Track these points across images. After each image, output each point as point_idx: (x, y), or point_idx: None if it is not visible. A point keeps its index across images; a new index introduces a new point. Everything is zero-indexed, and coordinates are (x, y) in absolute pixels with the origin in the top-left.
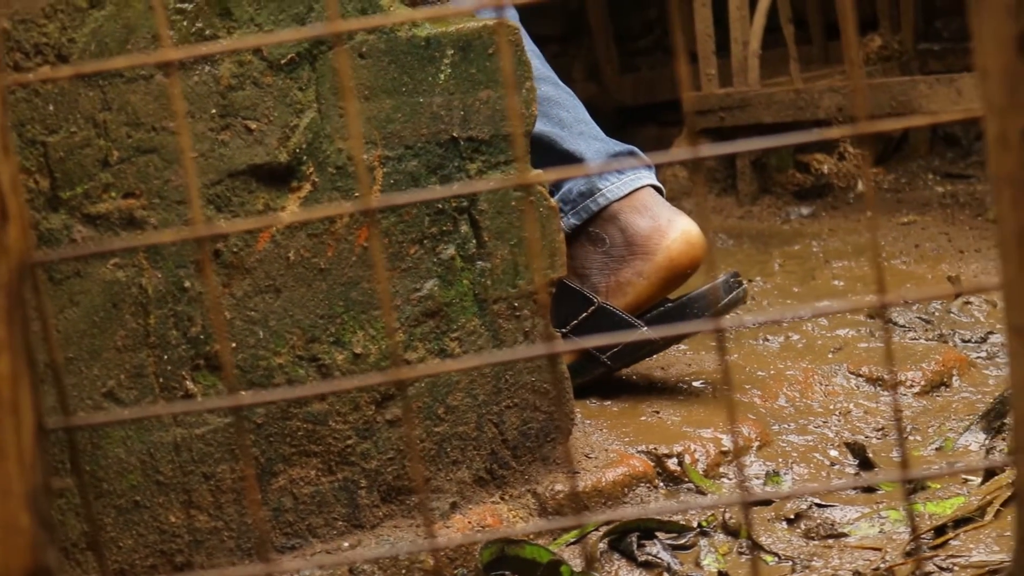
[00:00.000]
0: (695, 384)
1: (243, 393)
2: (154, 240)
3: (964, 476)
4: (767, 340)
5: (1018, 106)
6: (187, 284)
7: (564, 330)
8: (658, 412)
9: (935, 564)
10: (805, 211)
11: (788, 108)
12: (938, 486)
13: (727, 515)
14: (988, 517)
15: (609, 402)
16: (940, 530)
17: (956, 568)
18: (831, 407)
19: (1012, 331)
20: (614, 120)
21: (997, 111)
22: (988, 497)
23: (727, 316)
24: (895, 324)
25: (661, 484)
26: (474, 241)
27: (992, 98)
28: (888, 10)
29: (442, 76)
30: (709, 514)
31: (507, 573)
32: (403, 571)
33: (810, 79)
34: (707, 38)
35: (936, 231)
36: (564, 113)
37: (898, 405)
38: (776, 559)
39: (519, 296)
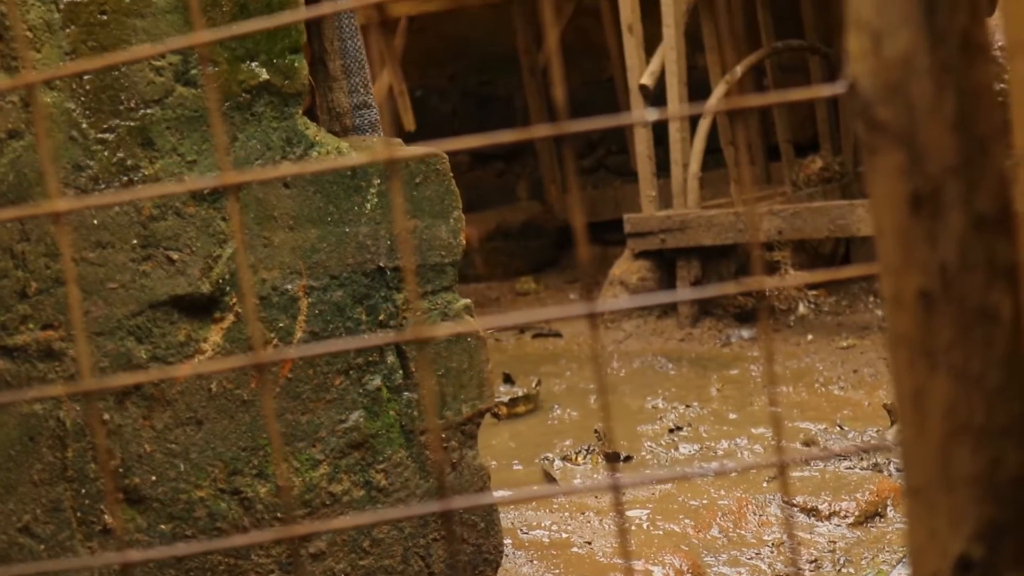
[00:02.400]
0: (628, 513)
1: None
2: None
3: None
4: (701, 466)
5: (912, 266)
6: (106, 417)
7: None
8: (590, 543)
9: None
10: (746, 334)
11: (728, 231)
12: None
13: None
14: None
15: (540, 532)
16: None
17: None
18: (765, 538)
19: (910, 492)
20: (557, 238)
21: (892, 270)
22: None
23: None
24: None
25: None
26: (401, 372)
27: (887, 257)
28: (829, 132)
29: (368, 205)
30: None
31: None
32: None
33: (751, 201)
34: (647, 160)
35: (875, 355)
36: None
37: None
38: None
39: (446, 427)
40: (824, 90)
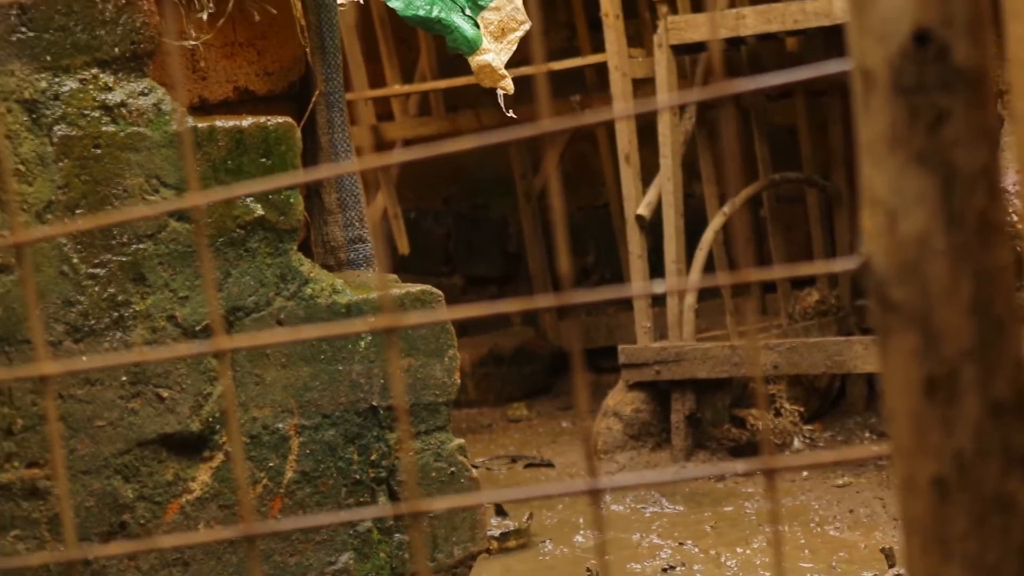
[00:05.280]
0: None
1: None
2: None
3: None
4: None
5: (927, 451)
6: (91, 557)
7: None
8: None
9: None
10: (740, 468)
11: (724, 364)
12: None
13: None
14: None
15: None
16: None
17: None
18: None
19: None
20: (550, 364)
21: (905, 455)
22: None
23: None
24: None
25: None
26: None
27: (900, 441)
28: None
29: (362, 343)
30: None
31: None
32: None
33: (747, 333)
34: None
35: (871, 495)
36: None
37: None
38: None
39: (438, 570)
40: (837, 265)
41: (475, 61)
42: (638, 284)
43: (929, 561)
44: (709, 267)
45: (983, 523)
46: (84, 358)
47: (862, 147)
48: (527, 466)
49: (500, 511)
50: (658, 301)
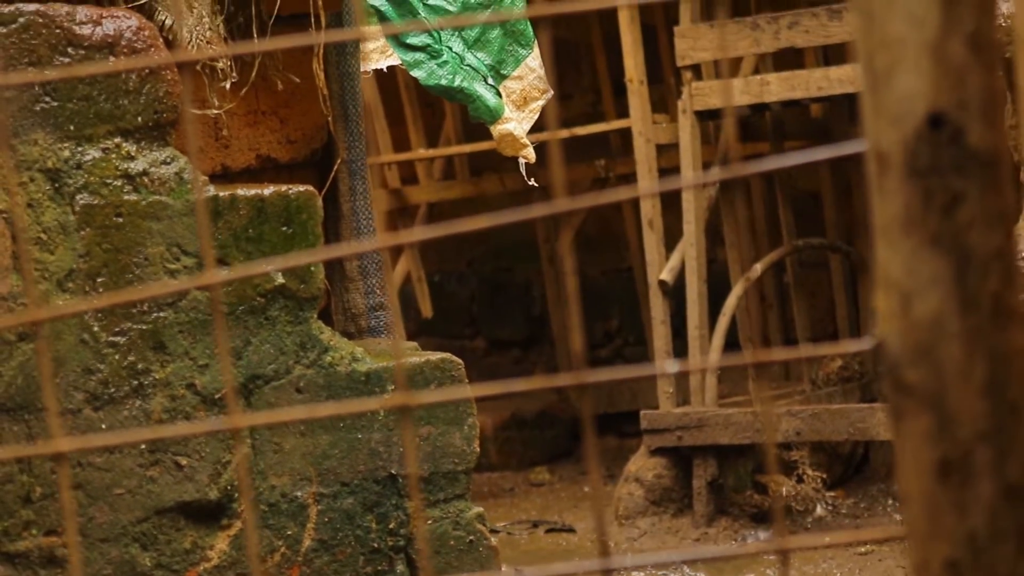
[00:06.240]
0: None
1: None
2: None
3: None
4: None
5: (940, 534)
6: None
7: None
8: None
9: None
10: (762, 535)
11: (746, 430)
12: None
13: None
14: None
15: None
16: None
17: None
18: None
19: None
20: (572, 428)
21: (919, 538)
22: None
23: None
24: None
25: None
26: None
27: (914, 524)
28: (849, 329)
29: (381, 412)
30: None
31: None
32: None
33: (769, 399)
34: (665, 356)
35: (893, 563)
36: None
37: None
38: None
39: None
40: (851, 346)
41: (497, 130)
42: (660, 356)
43: None
44: (732, 332)
45: None
46: (104, 426)
47: (877, 229)
48: (548, 531)
49: None
50: None
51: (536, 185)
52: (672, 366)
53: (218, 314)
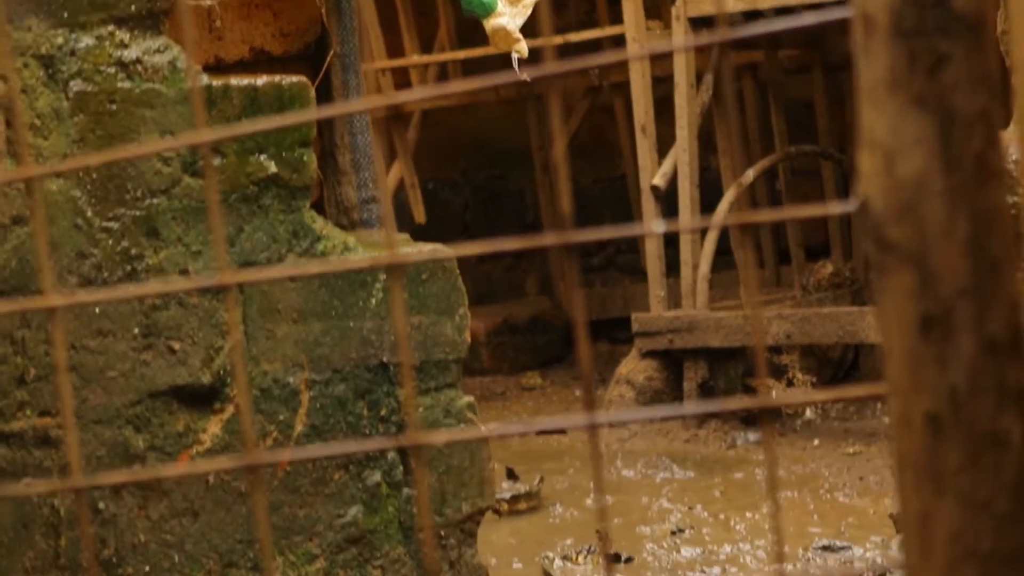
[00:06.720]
0: None
1: None
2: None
3: None
4: (703, 572)
5: (921, 389)
6: (101, 505)
7: None
8: None
9: None
10: (752, 436)
11: (736, 333)
12: None
13: None
14: None
15: None
16: None
17: None
18: None
19: None
20: (565, 334)
21: (901, 393)
22: None
23: None
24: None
25: None
26: (401, 468)
27: (895, 379)
28: (841, 238)
29: (373, 301)
30: None
31: None
32: None
33: (761, 303)
34: (657, 260)
35: (881, 463)
36: None
37: None
38: None
39: (445, 525)
40: (836, 207)
41: (490, 24)
42: (652, 262)
43: (922, 497)
44: (723, 240)
45: (976, 459)
46: (96, 310)
47: (862, 91)
48: (539, 433)
49: (511, 474)
50: (672, 271)
51: (528, 79)
52: (659, 225)
53: (210, 181)
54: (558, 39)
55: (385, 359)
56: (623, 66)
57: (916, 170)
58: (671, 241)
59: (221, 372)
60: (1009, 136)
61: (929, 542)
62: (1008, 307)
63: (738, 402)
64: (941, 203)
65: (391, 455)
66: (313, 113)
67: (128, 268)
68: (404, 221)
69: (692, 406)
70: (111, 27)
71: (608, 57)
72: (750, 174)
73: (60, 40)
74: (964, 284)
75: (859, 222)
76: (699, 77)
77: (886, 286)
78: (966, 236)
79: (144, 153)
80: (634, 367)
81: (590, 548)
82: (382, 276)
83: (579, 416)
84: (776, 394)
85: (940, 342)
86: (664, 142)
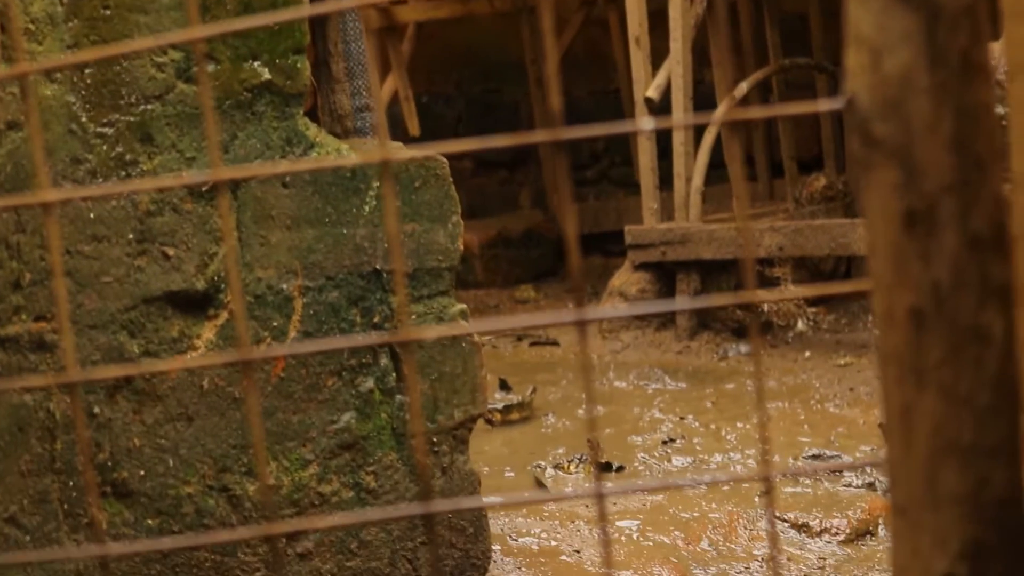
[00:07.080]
0: (619, 524)
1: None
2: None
3: None
4: (692, 478)
5: (905, 283)
6: (96, 410)
7: None
8: (579, 552)
9: None
10: (743, 348)
11: (729, 245)
12: None
13: None
14: None
15: (529, 539)
16: None
17: None
18: (755, 552)
19: (895, 510)
20: (558, 247)
21: (884, 287)
22: None
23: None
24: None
25: None
26: (394, 374)
27: (879, 274)
28: (833, 150)
29: (367, 208)
30: None
31: None
32: None
33: (754, 216)
34: (650, 172)
35: (871, 374)
36: None
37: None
38: None
39: (438, 431)
40: (824, 104)
41: None
42: (645, 174)
43: (904, 390)
44: (717, 153)
45: (958, 353)
46: (92, 215)
47: None
48: (532, 344)
49: (504, 385)
50: (666, 184)
51: None
52: (648, 122)
53: (204, 86)
54: None
55: (378, 266)
56: None
57: (902, 66)
58: (664, 154)
59: (215, 278)
60: (999, 47)
61: (911, 435)
62: (992, 203)
63: (727, 298)
64: (926, 99)
65: (384, 362)
66: (307, 10)
67: (123, 174)
68: (398, 134)
69: (682, 302)
70: None
71: None
72: (744, 86)
73: None
74: (948, 180)
75: (847, 120)
76: None
77: (871, 182)
78: (951, 132)
79: (139, 49)
80: (627, 279)
81: (582, 457)
82: (375, 183)
83: (568, 312)
84: (767, 308)
85: (924, 237)
86: (658, 55)
